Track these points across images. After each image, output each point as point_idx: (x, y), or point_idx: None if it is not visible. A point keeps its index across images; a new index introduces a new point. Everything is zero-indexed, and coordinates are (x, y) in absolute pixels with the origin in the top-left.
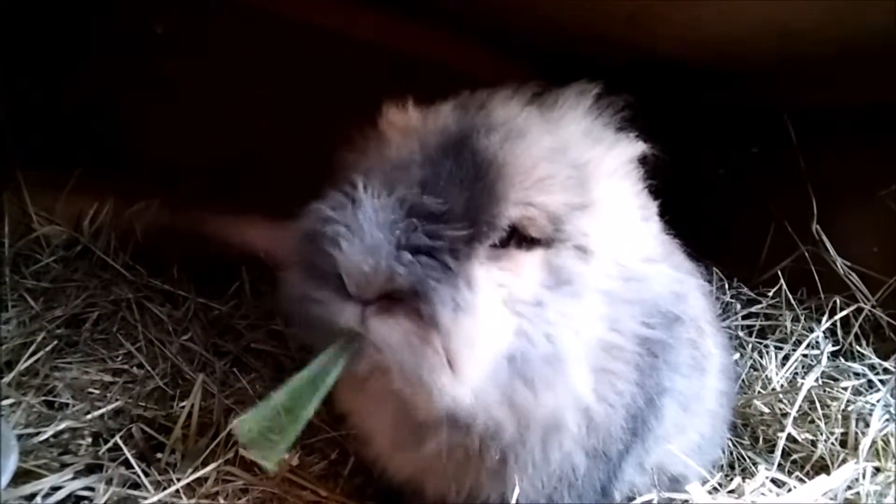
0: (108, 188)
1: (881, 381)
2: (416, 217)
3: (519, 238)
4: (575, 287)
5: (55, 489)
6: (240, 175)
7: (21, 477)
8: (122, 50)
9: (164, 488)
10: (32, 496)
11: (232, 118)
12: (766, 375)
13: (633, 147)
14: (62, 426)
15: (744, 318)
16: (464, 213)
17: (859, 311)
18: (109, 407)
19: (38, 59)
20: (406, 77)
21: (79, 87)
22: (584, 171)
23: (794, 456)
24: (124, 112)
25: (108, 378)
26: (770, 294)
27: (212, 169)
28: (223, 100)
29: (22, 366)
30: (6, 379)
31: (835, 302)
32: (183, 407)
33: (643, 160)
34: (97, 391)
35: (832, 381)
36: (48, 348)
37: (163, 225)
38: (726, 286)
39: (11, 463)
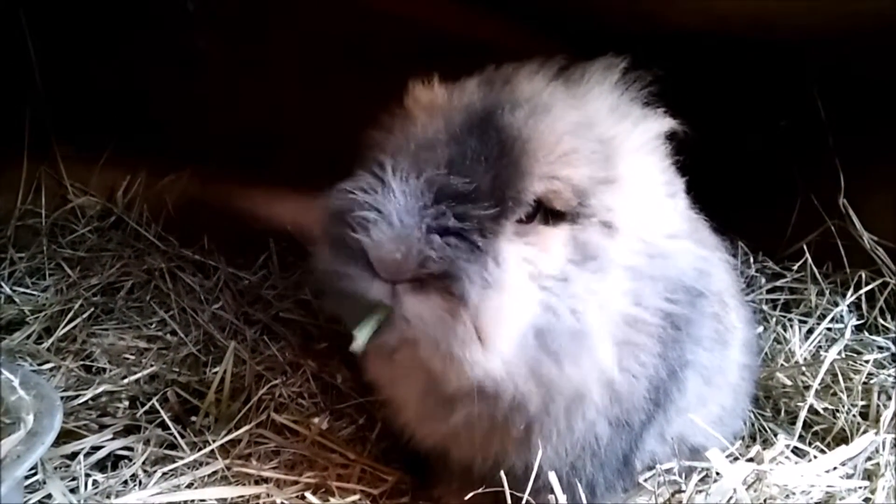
0: (140, 161)
1: None
2: (444, 198)
3: (545, 212)
4: (600, 263)
5: (96, 448)
6: (268, 148)
7: (63, 437)
8: (154, 25)
9: (200, 449)
10: (74, 455)
11: (261, 92)
12: (790, 349)
13: (660, 122)
14: (100, 389)
15: (768, 291)
16: (490, 191)
17: (884, 285)
18: (145, 372)
19: (72, 35)
20: (434, 51)
21: (112, 62)
22: (609, 146)
23: (816, 427)
24: (156, 86)
25: (142, 344)
26: (795, 268)
27: (240, 142)
28: (252, 74)
29: (60, 332)
30: (45, 344)
31: (860, 276)
32: (216, 372)
33: (671, 136)
34: (132, 357)
35: (855, 355)
36: (85, 315)
37: (193, 197)
38: (751, 260)
39: (56, 421)
